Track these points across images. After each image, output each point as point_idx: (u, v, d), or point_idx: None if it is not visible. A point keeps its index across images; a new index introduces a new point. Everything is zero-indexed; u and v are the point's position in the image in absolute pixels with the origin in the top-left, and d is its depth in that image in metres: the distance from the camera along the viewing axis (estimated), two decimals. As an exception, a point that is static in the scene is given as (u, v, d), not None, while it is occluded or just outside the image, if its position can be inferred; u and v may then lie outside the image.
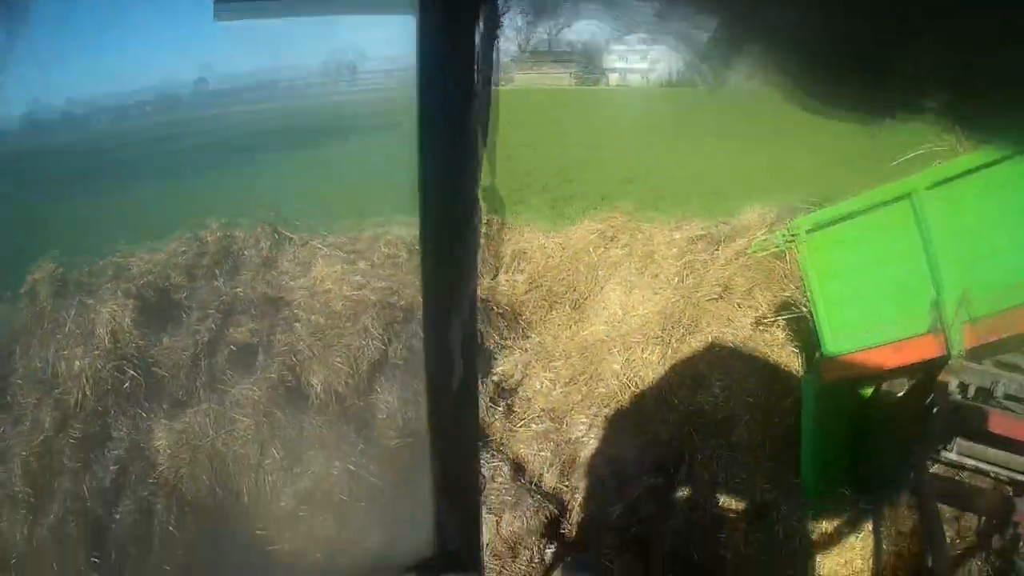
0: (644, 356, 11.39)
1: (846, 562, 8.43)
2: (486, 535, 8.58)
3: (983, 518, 8.02)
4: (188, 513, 8.86)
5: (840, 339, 8.08)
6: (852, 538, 8.61)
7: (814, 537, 8.68)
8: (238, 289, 13.48)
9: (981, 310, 7.10)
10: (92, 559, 8.39)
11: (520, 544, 8.62)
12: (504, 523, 8.75)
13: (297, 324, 11.90)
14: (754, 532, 8.79)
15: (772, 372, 10.63)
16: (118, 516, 8.82)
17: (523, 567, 8.36)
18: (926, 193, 7.19)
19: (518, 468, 9.72)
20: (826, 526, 8.78)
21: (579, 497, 9.38)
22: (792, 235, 8.15)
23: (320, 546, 8.18)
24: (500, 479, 9.37)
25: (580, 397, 11.18)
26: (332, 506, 8.66)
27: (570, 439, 10.26)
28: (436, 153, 2.25)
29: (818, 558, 8.53)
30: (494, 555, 8.48)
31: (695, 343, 11.30)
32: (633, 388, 11.06)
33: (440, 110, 2.21)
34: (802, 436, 8.81)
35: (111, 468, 9.37)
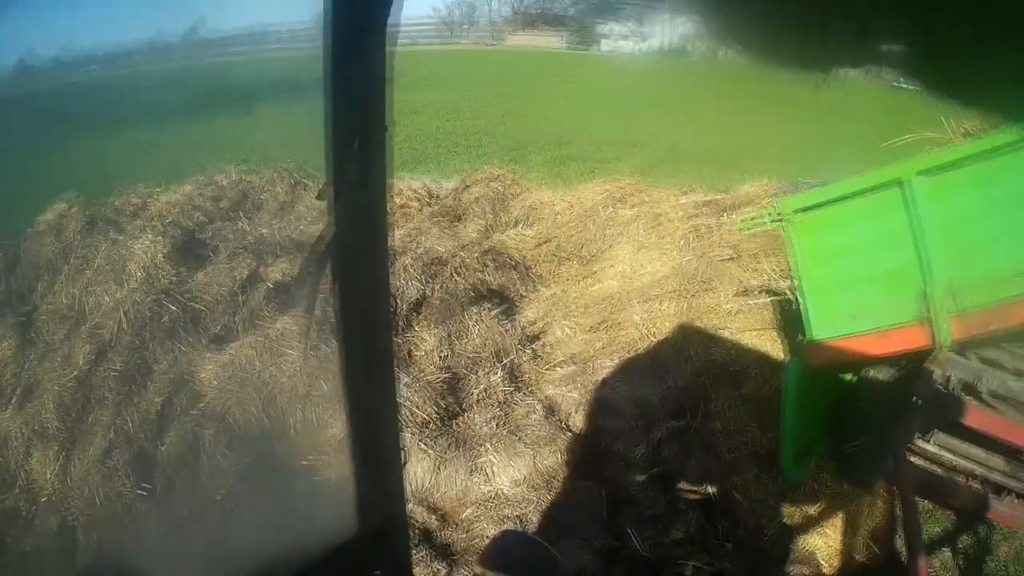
0: (662, 308, 11.83)
1: (824, 544, 8.72)
2: (523, 470, 9.06)
3: (958, 514, 8.49)
4: (237, 443, 9.10)
5: (826, 324, 8.21)
6: (826, 524, 8.89)
7: (789, 521, 9.00)
8: (263, 230, 13.85)
9: (969, 302, 7.19)
10: (138, 490, 8.53)
11: (555, 478, 9.05)
12: (540, 458, 9.20)
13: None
14: (762, 478, 9.20)
15: (781, 331, 11.08)
16: (164, 447, 9.05)
17: (558, 498, 8.79)
18: (917, 180, 7.30)
19: (550, 408, 10.12)
20: (802, 511, 9.11)
21: (606, 437, 9.74)
22: (780, 215, 8.25)
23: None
24: (535, 417, 9.81)
25: (602, 345, 11.60)
26: None
27: (596, 382, 10.64)
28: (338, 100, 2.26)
29: (801, 537, 8.80)
30: (532, 487, 8.91)
31: (709, 299, 11.73)
32: (652, 338, 11.49)
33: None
34: (783, 420, 8.98)
35: (155, 400, 9.60)
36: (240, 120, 28.79)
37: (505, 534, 4.02)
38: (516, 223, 15.59)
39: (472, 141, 27.49)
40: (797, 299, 8.67)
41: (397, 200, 16.44)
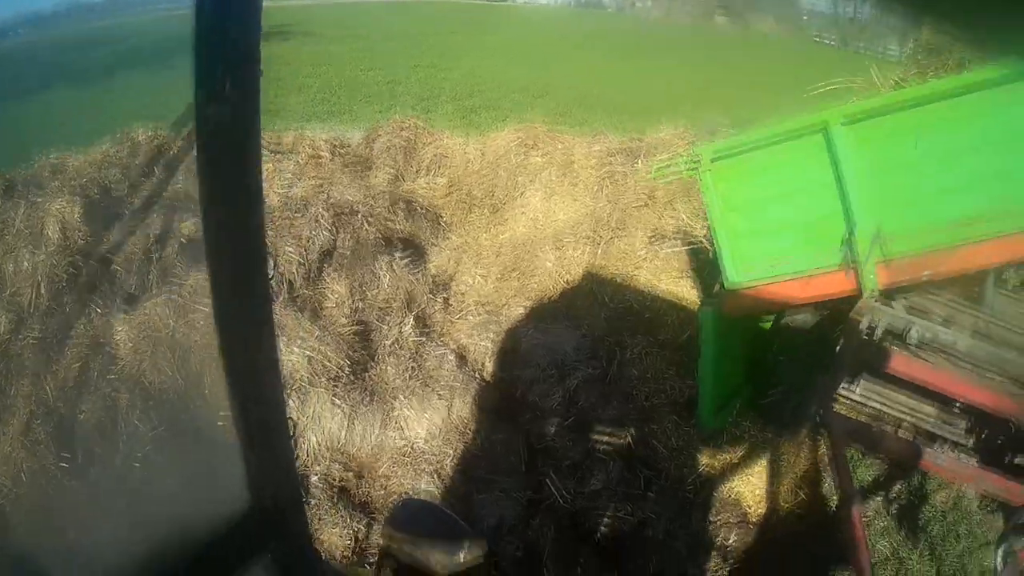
0: (575, 255, 12.00)
1: (749, 491, 8.85)
2: (437, 422, 9.13)
3: (888, 462, 8.48)
4: (152, 406, 9.06)
5: (743, 270, 8.25)
6: (750, 470, 8.97)
7: (712, 470, 9.06)
8: (178, 185, 13.74)
9: (896, 250, 7.25)
10: (61, 463, 8.48)
11: (470, 429, 9.12)
12: (455, 409, 9.26)
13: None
14: (682, 426, 9.29)
15: (697, 277, 11.21)
16: (83, 415, 8.97)
17: (474, 450, 8.89)
18: (841, 127, 7.26)
19: (462, 358, 10.19)
20: (724, 458, 9.16)
21: (521, 386, 9.85)
22: (695, 162, 8.19)
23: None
24: (447, 367, 9.87)
25: (513, 292, 11.82)
26: (296, 391, 9.04)
27: (508, 330, 10.78)
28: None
29: (725, 484, 8.90)
30: (447, 440, 8.98)
31: (623, 245, 11.89)
32: (565, 284, 11.70)
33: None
34: (700, 369, 9.03)
35: (73, 366, 9.51)
36: (160, 75, 28.47)
37: (406, 503, 4.02)
38: (427, 171, 15.56)
39: (384, 91, 27.19)
40: (713, 246, 8.71)
41: (308, 150, 16.38)
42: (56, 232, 11.70)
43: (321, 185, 14.59)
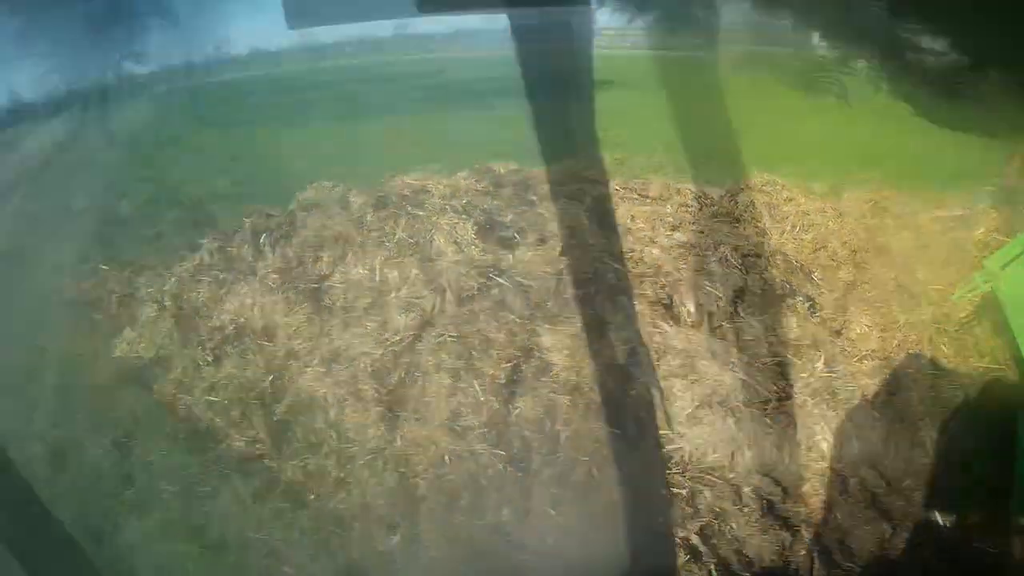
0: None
1: None
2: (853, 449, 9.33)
3: None
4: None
5: None
6: None
7: None
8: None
9: None
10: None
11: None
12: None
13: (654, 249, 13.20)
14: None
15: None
16: (516, 412, 9.34)
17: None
18: None
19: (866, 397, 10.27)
20: None
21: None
22: (989, 275, 8.26)
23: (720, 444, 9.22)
24: (857, 400, 10.09)
25: (896, 343, 11.63)
26: (731, 411, 9.57)
27: (889, 377, 10.72)
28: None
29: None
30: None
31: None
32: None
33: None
34: (1016, 472, 8.01)
35: (503, 366, 9.92)
36: (480, 113, 28.99)
37: None
38: (792, 228, 15.74)
39: (721, 147, 27.03)
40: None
41: (676, 199, 16.70)
42: (449, 244, 12.49)
43: (703, 231, 14.82)
